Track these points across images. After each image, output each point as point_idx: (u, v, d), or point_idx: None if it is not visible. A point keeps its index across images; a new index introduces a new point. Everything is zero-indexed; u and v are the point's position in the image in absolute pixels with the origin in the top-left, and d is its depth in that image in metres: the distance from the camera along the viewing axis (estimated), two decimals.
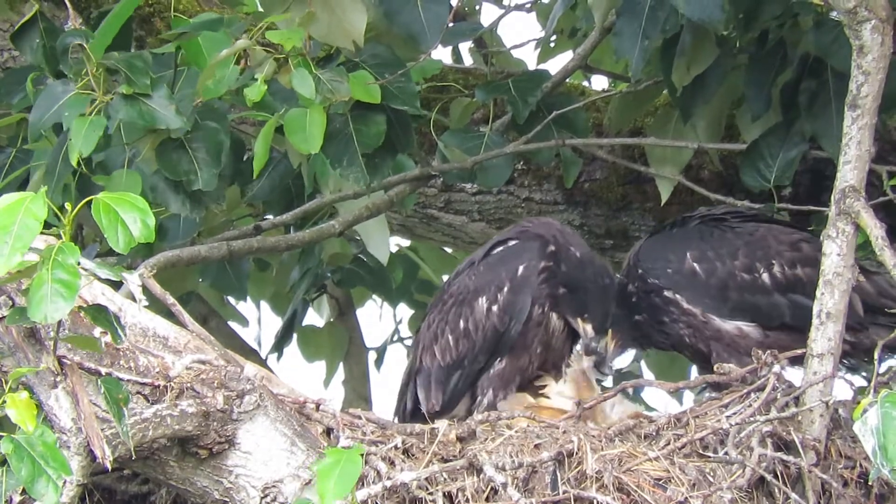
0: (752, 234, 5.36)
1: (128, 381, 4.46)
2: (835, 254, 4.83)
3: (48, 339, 4.30)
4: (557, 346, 5.31)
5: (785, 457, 4.73)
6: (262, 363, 7.37)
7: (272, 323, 8.03)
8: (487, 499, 4.62)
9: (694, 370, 6.04)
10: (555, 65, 7.24)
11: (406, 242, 8.05)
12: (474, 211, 6.81)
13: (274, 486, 4.62)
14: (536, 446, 4.74)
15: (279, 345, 7.73)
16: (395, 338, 8.42)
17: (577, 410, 4.96)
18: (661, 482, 4.68)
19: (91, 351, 4.43)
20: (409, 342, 8.35)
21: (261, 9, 6.01)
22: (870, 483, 4.79)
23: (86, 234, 6.18)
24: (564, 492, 4.63)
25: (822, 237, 4.88)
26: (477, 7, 7.72)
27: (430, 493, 4.59)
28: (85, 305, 4.35)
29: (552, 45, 7.48)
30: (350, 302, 8.10)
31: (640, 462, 4.71)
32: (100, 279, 4.37)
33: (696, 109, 5.92)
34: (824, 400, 4.80)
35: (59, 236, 4.14)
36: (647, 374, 7.80)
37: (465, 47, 7.54)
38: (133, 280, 4.29)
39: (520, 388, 5.26)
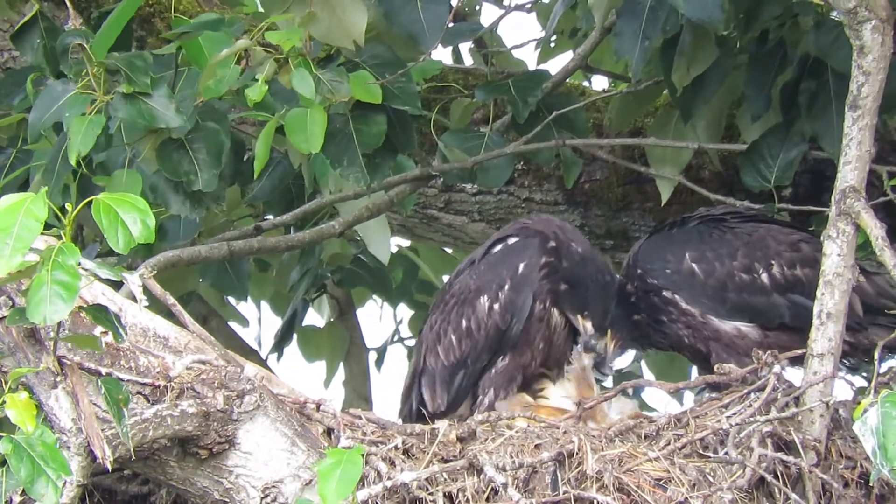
0: (751, 234, 5.35)
1: (128, 381, 4.46)
2: (835, 254, 4.83)
3: (48, 339, 4.29)
4: (559, 343, 5.31)
5: (785, 457, 4.72)
6: (263, 363, 7.36)
7: (272, 323, 8.04)
8: (488, 499, 4.62)
9: (694, 370, 6.04)
10: (555, 65, 7.25)
11: (406, 243, 8.04)
12: (474, 211, 6.81)
13: (274, 487, 4.61)
14: (537, 446, 4.74)
15: (279, 345, 7.72)
16: (396, 338, 8.41)
17: (578, 411, 4.96)
18: (661, 482, 4.68)
19: (91, 350, 4.42)
20: (409, 342, 8.36)
21: (261, 9, 6.01)
22: (870, 483, 4.78)
23: (86, 235, 6.17)
24: (565, 492, 4.63)
25: (822, 237, 4.87)
26: (477, 7, 7.72)
27: (431, 494, 4.59)
28: (85, 305, 4.35)
29: (552, 45, 7.48)
30: (350, 302, 8.10)
31: (641, 462, 4.71)
32: (100, 279, 4.36)
33: (696, 109, 5.91)
34: (824, 400, 4.80)
35: (59, 237, 4.13)
36: (647, 374, 7.80)
37: (465, 47, 7.55)
38: (133, 280, 4.28)
39: (521, 388, 5.26)
